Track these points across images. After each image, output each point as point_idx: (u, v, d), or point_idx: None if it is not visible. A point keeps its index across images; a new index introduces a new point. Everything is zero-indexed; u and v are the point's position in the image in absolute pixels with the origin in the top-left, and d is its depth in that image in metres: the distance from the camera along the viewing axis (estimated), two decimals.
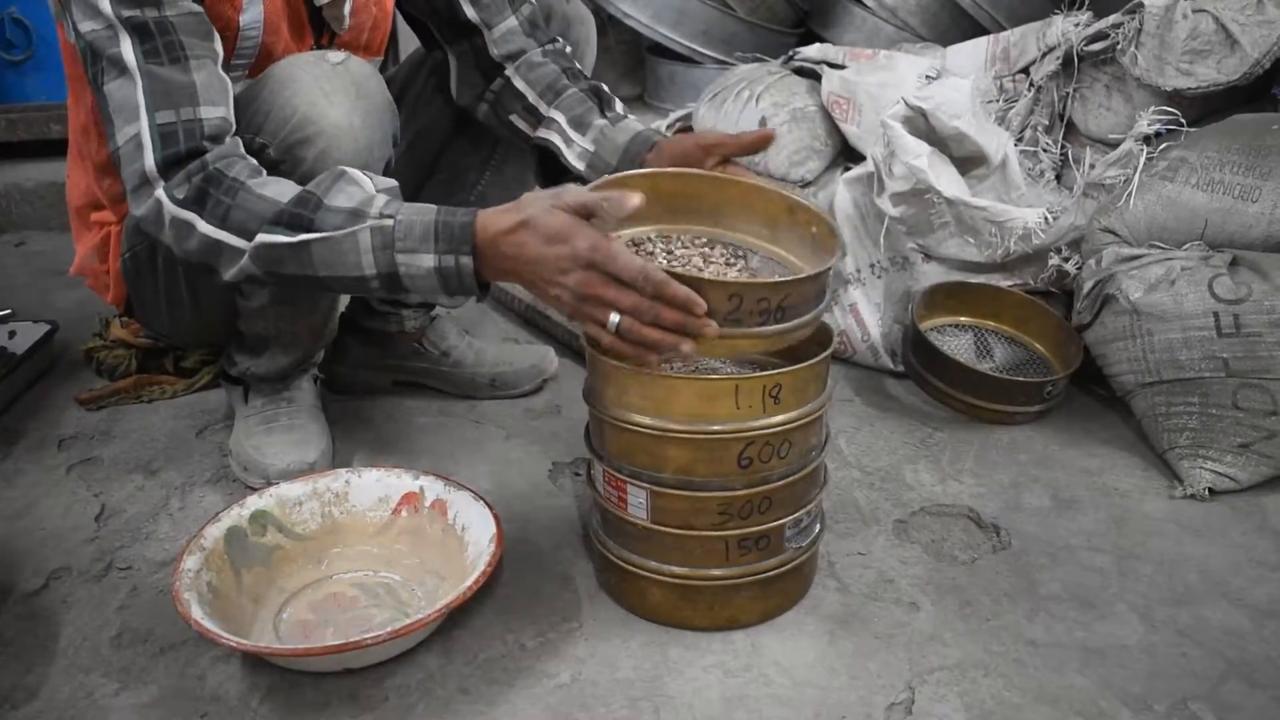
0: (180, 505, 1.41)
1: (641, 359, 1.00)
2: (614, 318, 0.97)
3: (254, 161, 1.13)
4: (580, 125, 1.34)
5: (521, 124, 1.40)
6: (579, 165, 1.34)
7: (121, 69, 1.10)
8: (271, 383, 1.51)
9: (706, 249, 1.14)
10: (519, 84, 1.38)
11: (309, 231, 1.04)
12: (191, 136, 1.10)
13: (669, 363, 1.23)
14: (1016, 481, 1.47)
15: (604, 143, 1.32)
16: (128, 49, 1.10)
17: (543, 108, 1.37)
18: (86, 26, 1.11)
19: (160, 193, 1.10)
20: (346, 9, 1.34)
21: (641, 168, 1.24)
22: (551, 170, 1.45)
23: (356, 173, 1.08)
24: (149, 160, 1.10)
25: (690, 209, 1.17)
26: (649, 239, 1.14)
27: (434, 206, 1.04)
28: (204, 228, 1.09)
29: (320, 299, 1.41)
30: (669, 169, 1.18)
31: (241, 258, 1.09)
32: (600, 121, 1.33)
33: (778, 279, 1.04)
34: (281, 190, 1.08)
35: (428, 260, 1.02)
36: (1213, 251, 1.45)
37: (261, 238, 1.06)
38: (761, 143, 1.21)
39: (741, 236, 1.18)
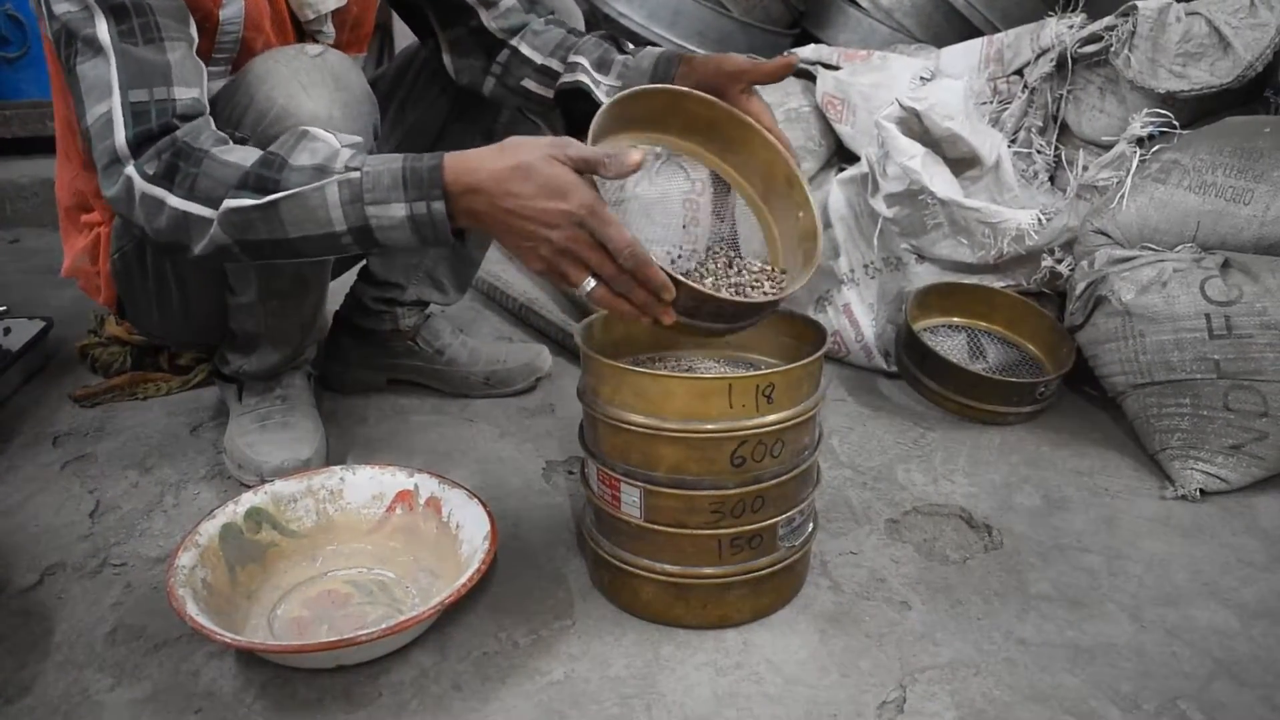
0: (175, 502, 1.42)
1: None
2: (590, 282, 0.97)
3: (221, 133, 1.11)
4: (603, 65, 1.30)
5: (535, 86, 1.37)
6: None
7: (96, 49, 1.09)
8: (264, 380, 1.51)
9: (753, 273, 1.15)
10: (526, 50, 1.36)
11: (275, 191, 1.02)
12: (164, 114, 1.08)
13: (663, 362, 1.24)
14: (1008, 481, 1.47)
15: (629, 74, 1.28)
16: (103, 29, 1.08)
17: (556, 64, 1.34)
18: (62, 8, 1.09)
19: (130, 169, 1.07)
20: (329, 25, 1.35)
21: (675, 84, 1.21)
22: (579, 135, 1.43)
23: (319, 130, 1.07)
24: (119, 137, 1.07)
25: (706, 134, 1.17)
26: (716, 256, 1.17)
27: (400, 154, 1.01)
28: (173, 201, 1.06)
29: (307, 295, 1.41)
30: (702, 94, 1.16)
31: (210, 227, 1.06)
32: (621, 57, 1.30)
33: (737, 299, 1.05)
34: (246, 155, 1.06)
35: (399, 209, 1.00)
36: (1204, 253, 1.46)
37: (228, 203, 1.04)
38: (783, 70, 1.18)
39: (738, 179, 1.19)
